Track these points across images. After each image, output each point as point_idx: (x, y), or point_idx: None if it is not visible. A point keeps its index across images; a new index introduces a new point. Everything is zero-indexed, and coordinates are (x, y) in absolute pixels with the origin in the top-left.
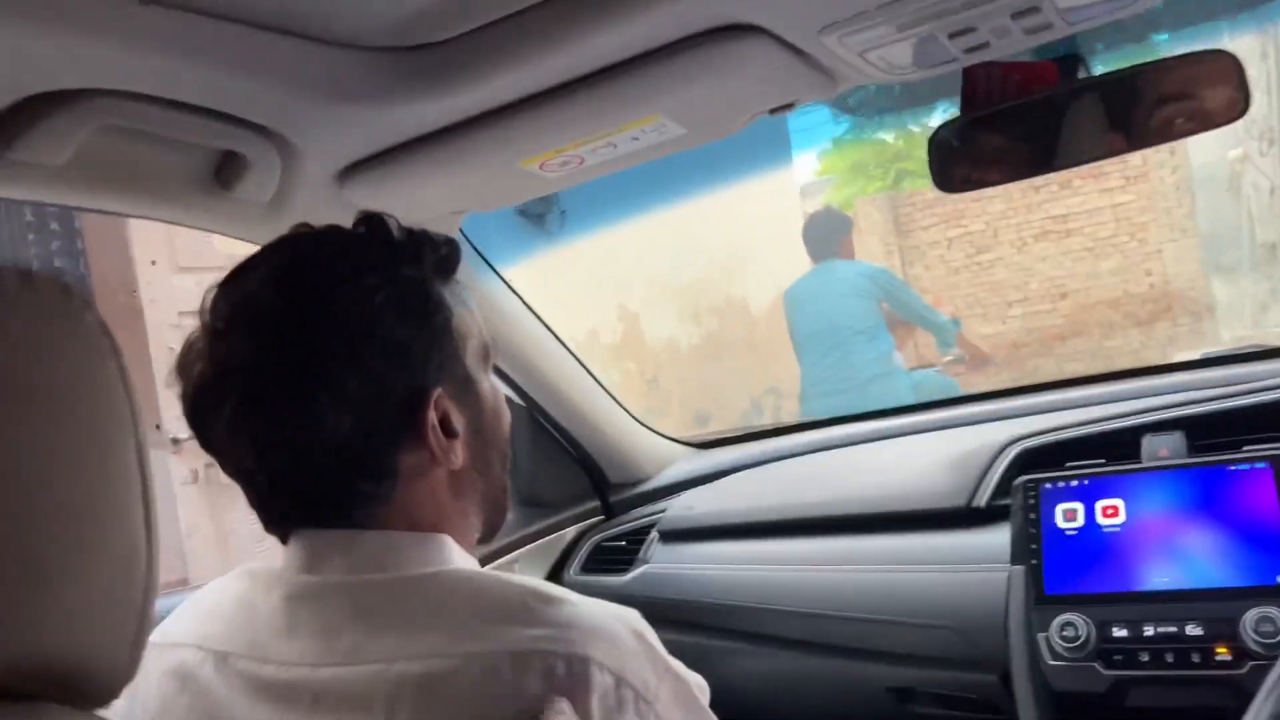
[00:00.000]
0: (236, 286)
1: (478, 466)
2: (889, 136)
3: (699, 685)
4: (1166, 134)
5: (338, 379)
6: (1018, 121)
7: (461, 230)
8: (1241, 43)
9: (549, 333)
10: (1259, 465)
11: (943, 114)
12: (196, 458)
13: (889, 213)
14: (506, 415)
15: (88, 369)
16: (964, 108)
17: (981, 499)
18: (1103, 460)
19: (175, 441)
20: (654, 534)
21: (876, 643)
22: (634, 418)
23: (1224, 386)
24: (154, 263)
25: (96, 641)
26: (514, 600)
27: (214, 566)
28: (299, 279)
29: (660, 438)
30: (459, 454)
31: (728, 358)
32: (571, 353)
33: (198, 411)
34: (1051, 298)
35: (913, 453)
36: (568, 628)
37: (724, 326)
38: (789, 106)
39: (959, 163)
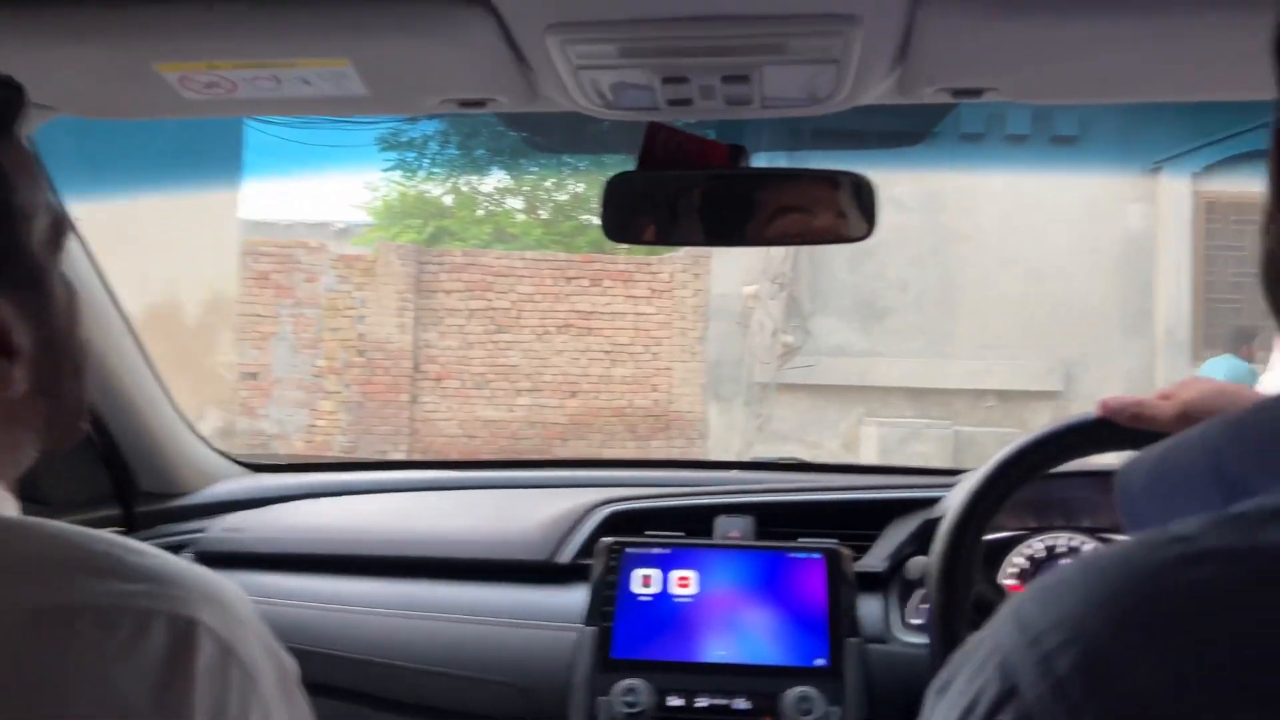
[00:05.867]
0: None
1: (43, 388)
2: (439, 191)
3: (295, 671)
4: (784, 238)
5: None
6: (684, 191)
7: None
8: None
9: (104, 290)
10: (815, 555)
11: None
12: None
13: (414, 266)
14: (81, 311)
15: None
16: (641, 163)
17: (565, 556)
18: (682, 533)
19: None
20: (188, 555)
21: (433, 697)
22: (183, 419)
23: (786, 483)
24: None
25: None
26: (95, 549)
27: None
28: None
29: (209, 450)
30: (18, 378)
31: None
32: (126, 322)
33: None
34: (561, 394)
35: (497, 504)
36: (171, 584)
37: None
38: (481, 104)
39: (627, 213)
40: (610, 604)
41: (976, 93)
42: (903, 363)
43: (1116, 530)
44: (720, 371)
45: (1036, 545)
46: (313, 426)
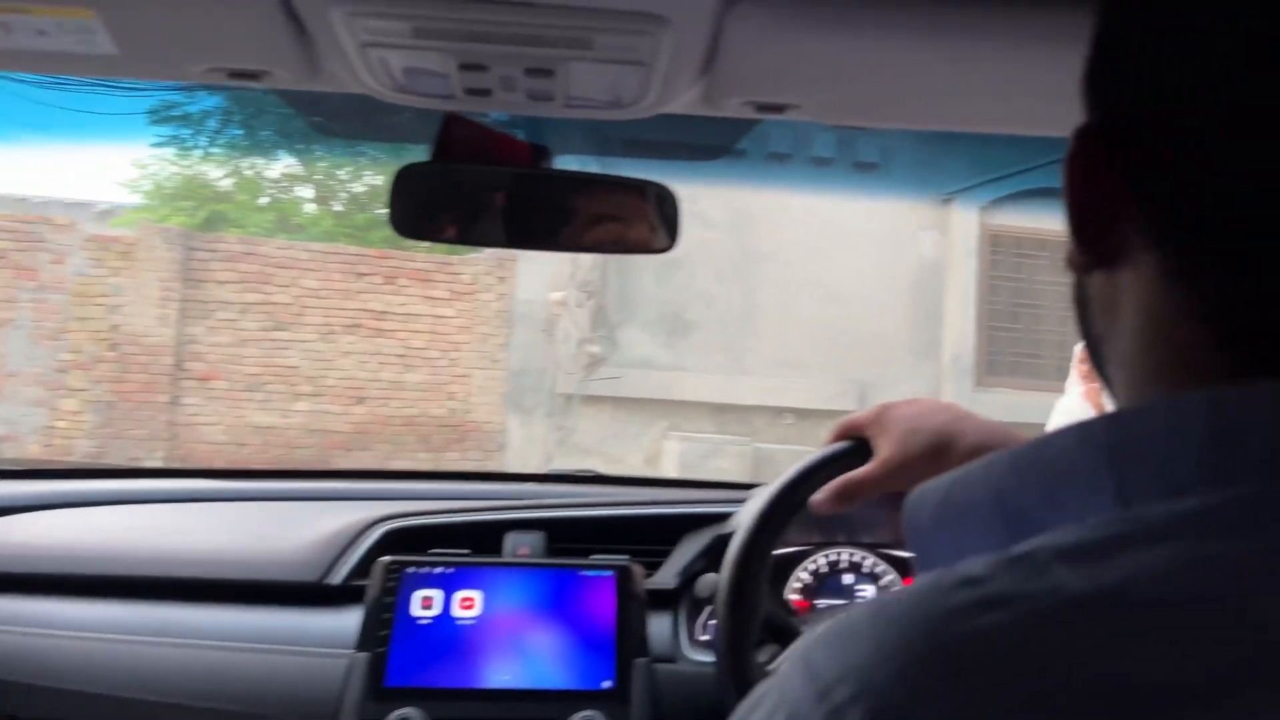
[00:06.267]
0: None
1: None
2: (219, 173)
3: None
4: (599, 246)
5: None
6: (483, 189)
7: None
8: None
9: None
10: (605, 573)
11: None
12: None
13: (181, 251)
14: None
15: None
16: (436, 155)
17: (338, 576)
18: (468, 550)
19: None
20: None
21: None
22: None
23: (581, 497)
24: None
25: None
26: None
27: None
28: None
29: None
30: None
31: None
32: None
33: None
34: (346, 400)
35: (263, 519)
36: None
37: None
38: (256, 77)
39: (421, 208)
40: (386, 628)
41: (779, 109)
42: (706, 378)
43: (897, 545)
44: (523, 380)
45: (820, 560)
46: (52, 428)
